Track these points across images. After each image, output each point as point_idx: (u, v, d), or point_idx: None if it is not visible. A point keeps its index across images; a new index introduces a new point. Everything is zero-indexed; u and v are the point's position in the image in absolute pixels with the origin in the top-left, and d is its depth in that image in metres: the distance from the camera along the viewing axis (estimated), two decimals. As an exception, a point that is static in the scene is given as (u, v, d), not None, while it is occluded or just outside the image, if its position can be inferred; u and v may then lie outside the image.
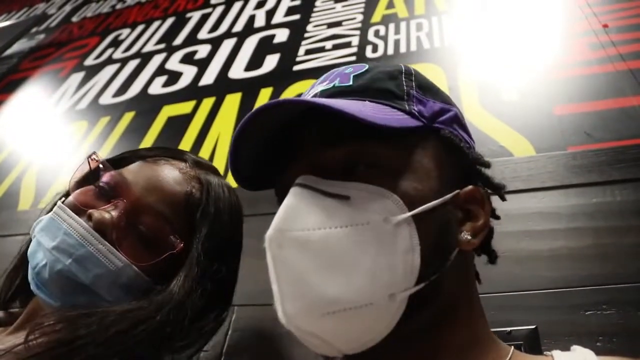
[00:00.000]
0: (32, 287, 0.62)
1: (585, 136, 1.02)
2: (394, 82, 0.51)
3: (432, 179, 0.47)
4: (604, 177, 0.90)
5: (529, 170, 0.96)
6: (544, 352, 0.52)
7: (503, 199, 0.58)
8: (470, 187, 0.50)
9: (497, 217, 0.60)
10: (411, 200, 0.44)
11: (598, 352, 0.49)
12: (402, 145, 0.47)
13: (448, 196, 0.47)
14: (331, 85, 0.51)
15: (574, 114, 1.08)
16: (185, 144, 1.42)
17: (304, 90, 0.58)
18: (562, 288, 0.77)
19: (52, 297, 0.61)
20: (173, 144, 1.43)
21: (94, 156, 0.70)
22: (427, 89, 0.53)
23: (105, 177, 0.67)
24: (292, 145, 0.49)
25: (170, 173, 0.70)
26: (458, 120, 0.54)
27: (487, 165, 0.56)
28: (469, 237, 0.49)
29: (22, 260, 0.71)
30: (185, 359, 0.68)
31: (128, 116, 1.67)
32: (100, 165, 0.69)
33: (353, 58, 1.53)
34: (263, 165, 0.52)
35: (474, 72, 1.29)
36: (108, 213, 0.63)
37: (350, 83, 0.50)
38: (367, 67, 0.52)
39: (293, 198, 0.44)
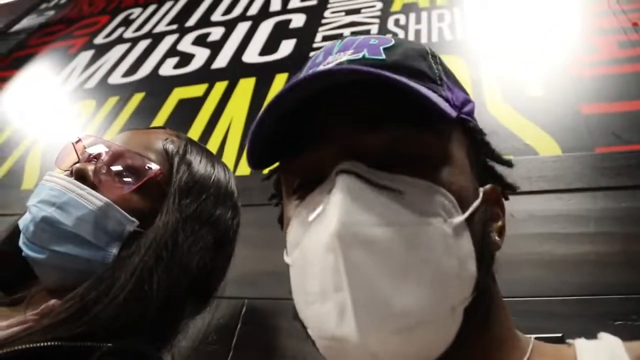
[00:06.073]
0: (24, 252, 0.62)
1: (613, 137, 0.98)
2: (425, 63, 0.47)
3: (468, 175, 0.45)
4: (635, 180, 0.86)
5: (555, 171, 0.92)
6: (567, 341, 0.48)
7: (506, 198, 0.54)
8: (489, 186, 0.47)
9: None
10: (461, 200, 0.41)
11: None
12: (440, 134, 0.43)
13: (481, 194, 0.45)
14: (359, 55, 0.46)
15: (602, 114, 1.04)
16: (197, 128, 1.39)
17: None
18: (588, 295, 0.74)
19: (39, 250, 0.61)
20: (184, 127, 1.39)
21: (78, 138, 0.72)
22: (451, 76, 0.50)
23: (88, 142, 0.71)
24: (309, 124, 0.44)
25: (152, 131, 0.75)
26: (473, 114, 0.52)
27: (510, 164, 0.53)
28: (497, 238, 0.47)
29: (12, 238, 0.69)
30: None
31: (138, 97, 1.64)
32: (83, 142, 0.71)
33: (371, 47, 1.48)
34: (270, 144, 0.45)
35: (497, 66, 1.24)
36: (89, 164, 0.66)
37: (383, 57, 0.45)
38: (393, 41, 0.48)
39: (347, 189, 0.38)
